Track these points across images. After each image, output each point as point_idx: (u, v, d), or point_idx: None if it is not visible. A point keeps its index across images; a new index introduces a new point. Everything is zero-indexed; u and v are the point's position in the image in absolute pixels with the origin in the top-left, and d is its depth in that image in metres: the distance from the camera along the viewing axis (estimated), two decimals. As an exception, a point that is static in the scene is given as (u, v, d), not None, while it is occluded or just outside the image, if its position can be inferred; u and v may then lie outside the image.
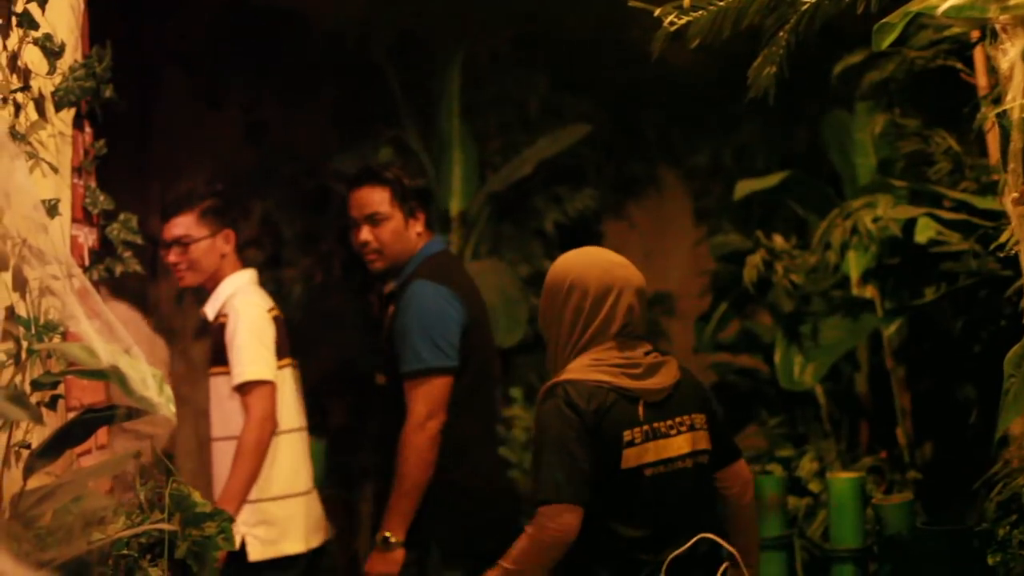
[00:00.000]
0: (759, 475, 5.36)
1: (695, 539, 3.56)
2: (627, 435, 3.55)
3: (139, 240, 4.05)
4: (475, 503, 4.92)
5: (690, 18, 3.99)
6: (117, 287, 4.44)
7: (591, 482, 3.50)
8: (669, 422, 3.63)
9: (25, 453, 2.84)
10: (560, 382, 3.60)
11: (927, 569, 4.50)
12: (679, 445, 3.62)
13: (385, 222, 4.96)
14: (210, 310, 5.07)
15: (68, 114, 3.65)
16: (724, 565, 3.65)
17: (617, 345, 3.69)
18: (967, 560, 4.35)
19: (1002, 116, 3.22)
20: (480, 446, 5.06)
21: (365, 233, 4.97)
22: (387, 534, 4.73)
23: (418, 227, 5.02)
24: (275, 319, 5.07)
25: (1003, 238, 3.64)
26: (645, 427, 3.58)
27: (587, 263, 3.80)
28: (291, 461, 5.01)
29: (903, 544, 4.59)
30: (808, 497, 5.63)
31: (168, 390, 2.60)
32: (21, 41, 3.26)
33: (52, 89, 3.48)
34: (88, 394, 3.74)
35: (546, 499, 3.49)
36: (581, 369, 3.62)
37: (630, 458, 3.55)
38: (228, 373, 4.90)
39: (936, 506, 5.27)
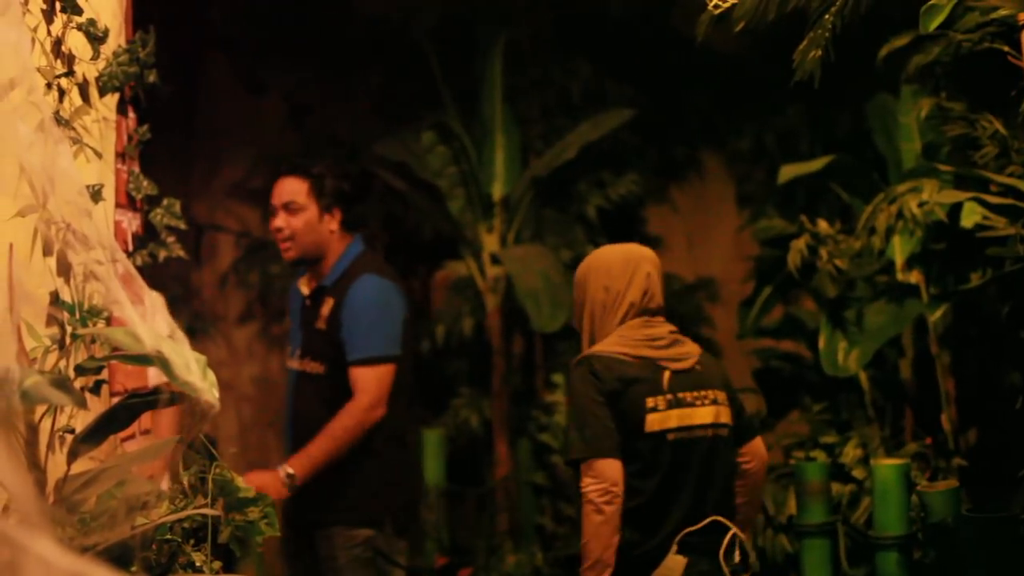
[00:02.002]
0: (802, 461, 5.34)
1: (707, 521, 3.85)
2: (650, 402, 3.88)
3: (182, 225, 4.05)
4: (413, 482, 5.60)
5: (735, 1, 3.97)
6: (161, 272, 4.45)
7: (618, 440, 3.83)
8: (695, 393, 3.94)
9: (69, 438, 2.85)
10: (586, 355, 3.96)
11: (972, 556, 4.47)
12: (702, 416, 3.93)
13: (299, 212, 5.20)
14: None
15: (112, 99, 3.65)
16: (731, 532, 3.90)
17: (642, 324, 4.00)
18: (1012, 547, 4.32)
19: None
20: (410, 433, 5.52)
21: (279, 220, 5.22)
22: (292, 471, 5.02)
23: (333, 224, 5.27)
24: None
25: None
26: (669, 396, 3.90)
27: (606, 252, 4.19)
28: None
29: (948, 531, 4.56)
30: (852, 484, 5.60)
31: (211, 375, 2.60)
32: (65, 27, 3.27)
33: (96, 74, 3.49)
34: (132, 379, 3.75)
35: (580, 457, 3.83)
36: (606, 344, 3.96)
37: (653, 423, 3.87)
38: None
39: (981, 493, 5.23)
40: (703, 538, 3.86)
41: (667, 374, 3.92)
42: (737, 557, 3.90)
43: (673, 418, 3.88)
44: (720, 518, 3.89)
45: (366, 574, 5.16)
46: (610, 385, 3.85)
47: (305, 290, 5.38)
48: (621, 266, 4.05)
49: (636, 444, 3.85)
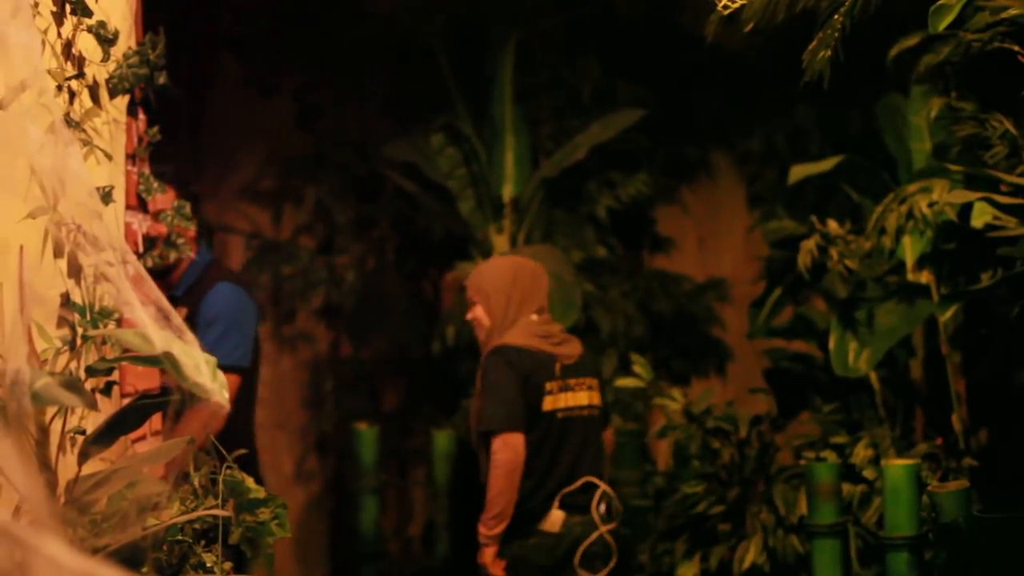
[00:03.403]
0: (813, 462, 5.34)
1: (581, 481, 4.86)
2: (547, 386, 4.86)
3: (192, 227, 4.06)
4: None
5: (744, 1, 3.97)
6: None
7: (524, 417, 4.76)
8: (576, 380, 4.94)
9: (80, 439, 2.86)
10: (501, 345, 4.86)
11: (983, 557, 4.46)
12: (582, 399, 4.95)
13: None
14: None
15: (122, 101, 3.66)
16: (600, 490, 4.88)
17: (541, 321, 4.96)
18: (1023, 548, 4.31)
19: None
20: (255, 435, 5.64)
21: None
22: None
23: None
24: None
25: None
26: (559, 382, 4.89)
27: (500, 265, 5.18)
28: None
29: (959, 532, 4.55)
30: (863, 484, 5.59)
31: (221, 376, 2.61)
32: (75, 29, 3.28)
33: (106, 76, 3.50)
34: (142, 380, 3.76)
35: (494, 430, 4.72)
36: (516, 337, 4.87)
37: (548, 403, 4.86)
38: None
39: (992, 493, 5.22)
40: (578, 497, 4.84)
41: (559, 364, 4.89)
42: (603, 509, 4.85)
43: (562, 400, 4.88)
44: (593, 478, 4.88)
45: None
46: (521, 371, 4.79)
47: None
48: (526, 274, 5.01)
49: (535, 420, 4.81)
